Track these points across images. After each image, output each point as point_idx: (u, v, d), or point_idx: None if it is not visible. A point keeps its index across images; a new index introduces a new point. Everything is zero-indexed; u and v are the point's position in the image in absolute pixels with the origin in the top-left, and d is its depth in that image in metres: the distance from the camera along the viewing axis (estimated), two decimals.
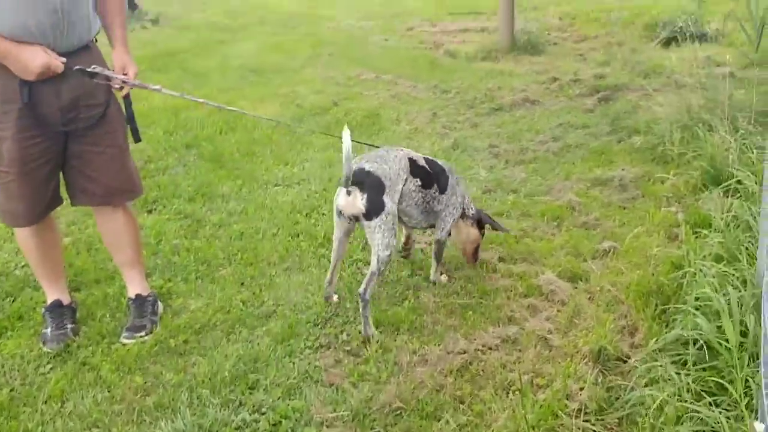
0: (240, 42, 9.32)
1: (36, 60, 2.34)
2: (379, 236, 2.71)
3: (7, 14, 2.30)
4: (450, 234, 3.19)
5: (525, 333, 2.79)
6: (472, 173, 4.56)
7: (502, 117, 5.82)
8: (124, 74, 2.60)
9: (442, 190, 3.05)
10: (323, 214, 3.94)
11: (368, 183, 2.69)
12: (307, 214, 3.93)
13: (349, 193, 2.70)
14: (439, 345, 2.73)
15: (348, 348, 2.72)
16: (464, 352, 2.68)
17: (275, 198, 4.17)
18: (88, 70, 2.48)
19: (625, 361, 2.57)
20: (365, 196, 2.68)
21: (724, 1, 10.46)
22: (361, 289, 2.74)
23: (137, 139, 2.75)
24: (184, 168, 4.62)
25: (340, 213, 2.79)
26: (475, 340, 2.76)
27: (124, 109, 2.73)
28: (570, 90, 6.52)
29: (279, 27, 10.67)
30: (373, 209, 2.68)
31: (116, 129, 2.69)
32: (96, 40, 2.65)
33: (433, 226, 3.15)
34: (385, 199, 2.72)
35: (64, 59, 2.42)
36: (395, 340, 2.77)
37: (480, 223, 3.23)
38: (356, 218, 2.75)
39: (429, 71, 7.49)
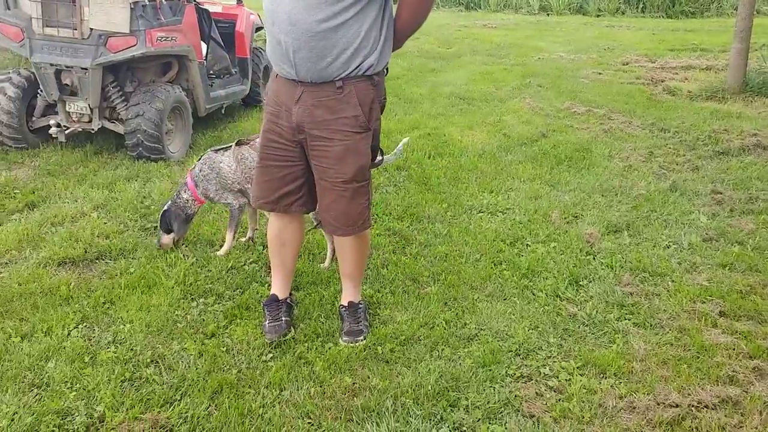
0: (451, 70, 9.57)
1: None
2: None
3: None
4: None
5: (749, 397, 2.55)
6: (692, 218, 4.26)
7: (728, 162, 5.39)
8: None
9: None
10: (527, 245, 3.91)
11: None
12: (510, 243, 3.92)
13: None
14: (648, 394, 2.59)
15: (550, 383, 2.67)
16: (676, 406, 2.51)
17: (479, 224, 4.21)
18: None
19: None
20: None
21: None
22: None
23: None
24: (394, 188, 4.82)
25: None
26: (689, 395, 2.58)
27: None
28: None
29: (489, 57, 10.80)
30: None
31: (344, 169, 2.68)
32: (373, 78, 2.69)
33: None
34: None
35: None
36: (600, 383, 2.67)
37: None
38: None
39: (646, 108, 7.15)
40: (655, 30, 13.80)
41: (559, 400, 2.57)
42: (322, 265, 3.58)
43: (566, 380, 2.68)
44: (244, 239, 3.86)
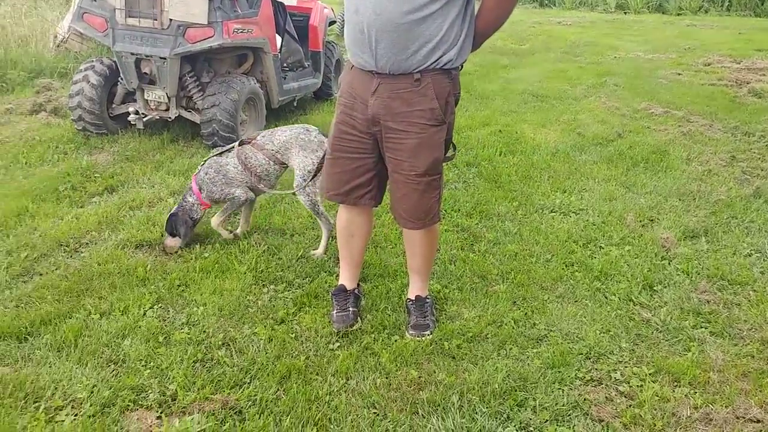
0: (524, 67, 9.43)
1: None
2: None
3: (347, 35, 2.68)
4: None
5: None
6: None
7: None
8: None
9: None
10: (601, 247, 3.80)
11: None
12: (583, 245, 3.83)
13: None
14: (726, 407, 2.48)
15: (621, 388, 2.59)
16: (758, 422, 2.40)
17: (551, 224, 4.12)
18: None
19: None
20: None
21: None
22: None
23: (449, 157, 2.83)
24: (463, 184, 4.77)
25: None
26: None
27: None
28: None
29: (563, 54, 10.59)
30: None
31: (418, 162, 2.65)
32: (450, 72, 2.64)
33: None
34: None
35: None
36: (674, 391, 2.57)
37: None
38: None
39: (728, 110, 6.86)
40: (741, 29, 13.22)
41: (630, 406, 2.49)
42: (314, 252, 3.63)
43: (638, 386, 2.59)
44: (232, 234, 3.83)
